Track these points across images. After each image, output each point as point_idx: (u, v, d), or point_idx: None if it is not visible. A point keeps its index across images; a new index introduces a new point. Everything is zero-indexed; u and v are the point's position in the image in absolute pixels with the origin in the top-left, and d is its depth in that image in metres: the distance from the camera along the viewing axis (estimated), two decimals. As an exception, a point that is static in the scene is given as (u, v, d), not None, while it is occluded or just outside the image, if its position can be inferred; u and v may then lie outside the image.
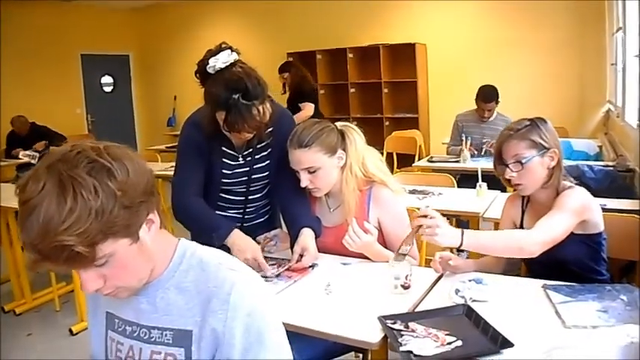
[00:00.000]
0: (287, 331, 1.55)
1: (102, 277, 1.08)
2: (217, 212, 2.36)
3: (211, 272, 1.19)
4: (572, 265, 2.05)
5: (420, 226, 1.84)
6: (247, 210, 2.45)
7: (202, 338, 1.15)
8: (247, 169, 2.33)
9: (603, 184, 3.46)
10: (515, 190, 2.20)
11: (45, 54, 8.80)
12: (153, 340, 1.20)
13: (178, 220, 2.27)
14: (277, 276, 2.08)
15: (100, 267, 1.05)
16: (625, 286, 1.86)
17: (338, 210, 2.33)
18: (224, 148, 2.29)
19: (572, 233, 2.01)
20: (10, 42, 8.15)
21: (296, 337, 1.77)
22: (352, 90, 8.12)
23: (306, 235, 2.18)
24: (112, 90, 10.38)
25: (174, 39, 9.81)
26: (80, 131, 9.20)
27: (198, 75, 2.09)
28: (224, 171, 2.31)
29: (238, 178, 2.34)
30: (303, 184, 2.20)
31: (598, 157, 4.84)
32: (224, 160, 2.30)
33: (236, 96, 1.97)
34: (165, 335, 1.19)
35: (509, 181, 2.13)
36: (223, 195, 2.40)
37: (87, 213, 0.97)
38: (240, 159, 2.32)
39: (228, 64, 2.02)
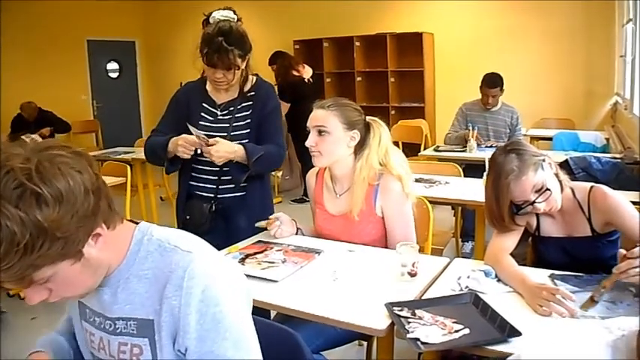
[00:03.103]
0: (293, 319, 1.54)
1: (47, 289, 1.04)
2: (191, 182, 2.58)
3: (167, 257, 1.14)
4: (597, 266, 2.02)
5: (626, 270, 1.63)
6: (222, 179, 2.52)
7: (162, 327, 1.11)
8: (227, 125, 2.49)
9: (610, 176, 3.45)
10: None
11: (51, 40, 8.76)
12: (119, 331, 1.17)
13: (148, 160, 2.69)
14: (283, 262, 2.08)
15: (43, 283, 1.01)
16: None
17: (344, 197, 2.33)
18: (204, 104, 2.55)
19: (598, 234, 2.00)
20: (17, 27, 8.12)
21: (302, 325, 1.79)
22: (359, 78, 8.07)
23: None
24: (118, 76, 10.32)
25: (180, 25, 9.75)
26: (86, 117, 9.17)
27: (203, 23, 2.45)
28: (202, 123, 2.51)
29: (216, 132, 2.46)
30: (308, 142, 2.25)
31: (605, 149, 4.82)
32: (202, 114, 2.54)
33: (220, 38, 2.32)
34: (130, 325, 1.16)
35: (537, 215, 2.08)
36: (200, 158, 2.49)
37: (14, 249, 0.89)
38: (219, 114, 2.53)
39: (226, 18, 2.41)
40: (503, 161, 1.95)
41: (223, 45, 2.32)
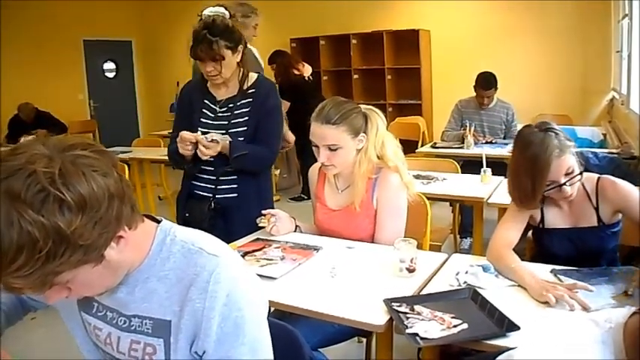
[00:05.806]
0: (292, 316, 1.53)
1: (66, 289, 1.02)
2: (193, 182, 2.61)
3: (192, 259, 1.12)
4: (600, 257, 2.02)
5: None
6: (220, 179, 2.53)
7: (180, 329, 1.10)
8: (225, 122, 2.51)
9: (607, 171, 3.41)
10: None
11: (47, 40, 8.74)
12: (133, 328, 1.15)
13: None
14: (282, 259, 2.08)
15: (63, 284, 0.99)
16: (630, 269, 1.85)
17: (346, 192, 2.34)
18: (206, 101, 2.58)
19: (604, 224, 2.01)
20: (13, 27, 8.10)
21: (301, 322, 1.78)
22: (355, 76, 8.07)
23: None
24: (115, 76, 10.29)
25: (176, 24, 9.73)
26: (83, 117, 9.17)
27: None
28: (202, 120, 2.56)
29: (215, 129, 2.48)
30: (321, 160, 2.22)
31: (602, 144, 4.83)
32: (203, 110, 2.57)
33: (204, 31, 2.35)
34: (145, 324, 1.14)
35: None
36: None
37: (35, 256, 0.87)
38: (218, 111, 2.55)
39: (215, 13, 2.43)
40: (545, 138, 1.92)
41: (207, 36, 2.35)
